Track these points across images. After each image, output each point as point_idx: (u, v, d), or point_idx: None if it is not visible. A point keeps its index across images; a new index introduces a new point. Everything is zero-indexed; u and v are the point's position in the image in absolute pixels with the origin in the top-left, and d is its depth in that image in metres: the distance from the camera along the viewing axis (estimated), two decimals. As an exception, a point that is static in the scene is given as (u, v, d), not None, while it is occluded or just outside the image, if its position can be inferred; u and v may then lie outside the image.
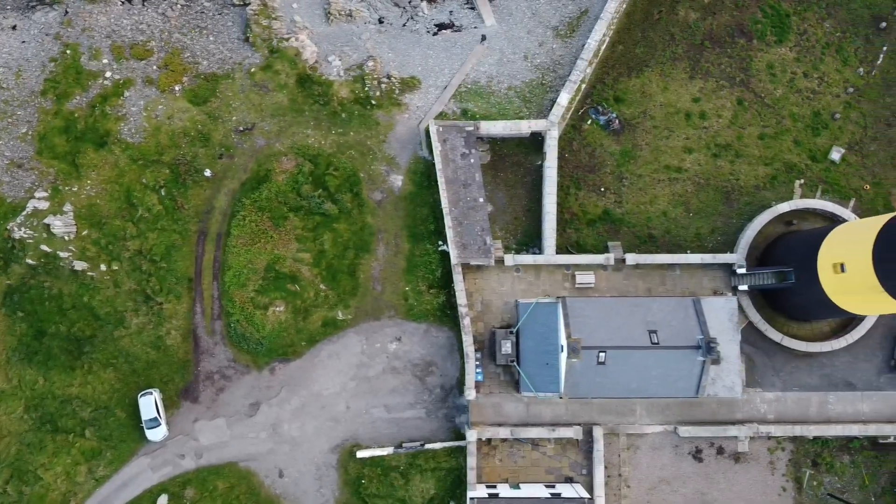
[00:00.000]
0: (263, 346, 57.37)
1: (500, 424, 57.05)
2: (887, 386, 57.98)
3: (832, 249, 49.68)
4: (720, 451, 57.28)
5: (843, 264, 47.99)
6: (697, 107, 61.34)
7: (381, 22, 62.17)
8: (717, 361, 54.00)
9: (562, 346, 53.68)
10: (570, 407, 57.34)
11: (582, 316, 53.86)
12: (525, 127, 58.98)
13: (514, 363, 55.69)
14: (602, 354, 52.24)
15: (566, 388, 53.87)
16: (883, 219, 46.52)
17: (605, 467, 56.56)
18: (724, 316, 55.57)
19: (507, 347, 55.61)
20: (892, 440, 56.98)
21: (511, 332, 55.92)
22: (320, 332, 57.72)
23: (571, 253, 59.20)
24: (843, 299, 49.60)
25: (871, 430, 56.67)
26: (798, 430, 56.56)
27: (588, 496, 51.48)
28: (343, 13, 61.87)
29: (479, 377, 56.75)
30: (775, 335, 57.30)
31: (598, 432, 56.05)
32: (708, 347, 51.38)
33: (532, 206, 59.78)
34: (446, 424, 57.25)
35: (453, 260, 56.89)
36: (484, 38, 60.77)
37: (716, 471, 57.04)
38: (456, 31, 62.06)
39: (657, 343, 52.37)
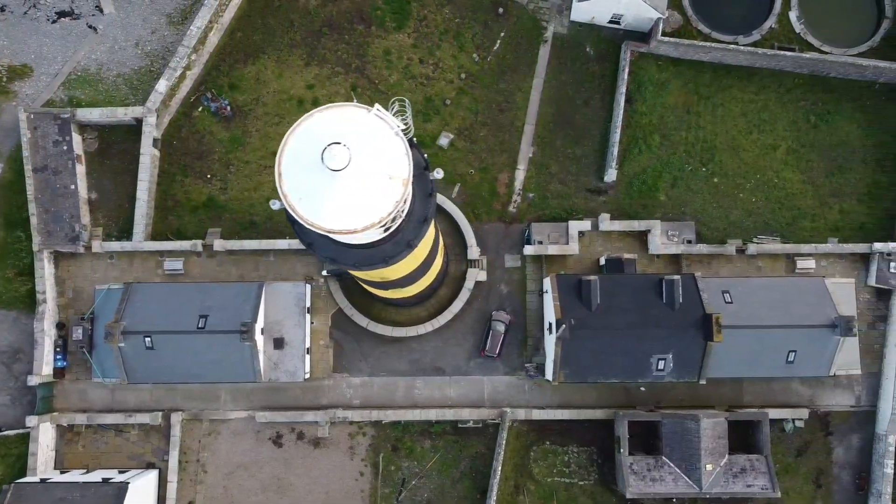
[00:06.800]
0: None
1: (84, 411, 57.24)
2: (475, 371, 58.03)
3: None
4: (300, 436, 57.26)
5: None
6: (311, 93, 61.31)
7: (2, 10, 62.15)
8: (279, 346, 54.31)
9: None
10: (154, 393, 57.40)
11: (140, 301, 53.92)
12: (122, 114, 58.96)
13: (85, 349, 55.76)
14: (148, 339, 52.28)
15: (126, 373, 53.88)
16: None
17: (185, 453, 56.69)
18: (291, 301, 55.62)
19: (77, 333, 55.66)
20: (471, 425, 57.00)
21: (83, 319, 55.97)
22: None
23: (171, 240, 59.25)
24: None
25: (449, 414, 56.68)
26: (375, 415, 56.62)
27: (127, 482, 51.40)
28: (-37, 2, 61.91)
29: (62, 364, 56.80)
30: (361, 320, 57.37)
31: (175, 418, 56.08)
32: (241, 332, 51.42)
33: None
34: (31, 411, 57.19)
35: (35, 247, 56.96)
36: (91, 27, 60.88)
37: (294, 456, 57.05)
38: (74, 18, 62.07)
39: (203, 328, 52.38)
